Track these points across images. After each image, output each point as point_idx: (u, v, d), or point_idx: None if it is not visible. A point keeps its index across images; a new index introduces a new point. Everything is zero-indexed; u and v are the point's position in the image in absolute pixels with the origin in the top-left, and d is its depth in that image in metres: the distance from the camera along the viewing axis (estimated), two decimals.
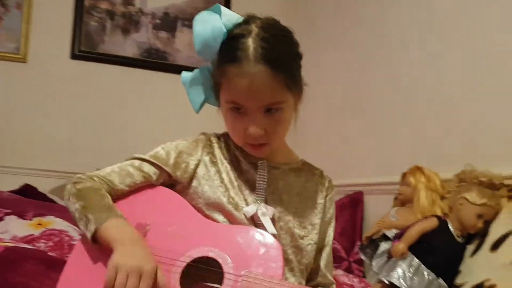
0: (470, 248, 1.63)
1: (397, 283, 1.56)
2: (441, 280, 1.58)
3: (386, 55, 2.41)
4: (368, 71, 2.52)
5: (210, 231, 0.92)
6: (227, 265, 0.85)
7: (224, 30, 0.90)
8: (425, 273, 1.57)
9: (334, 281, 1.06)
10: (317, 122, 2.66)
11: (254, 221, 0.93)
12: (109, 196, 0.93)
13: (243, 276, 0.83)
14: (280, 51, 0.89)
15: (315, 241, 0.99)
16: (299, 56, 0.94)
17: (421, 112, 2.12)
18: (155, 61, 3.23)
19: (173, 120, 3.17)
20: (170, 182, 1.01)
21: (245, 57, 0.86)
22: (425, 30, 2.17)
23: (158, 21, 3.25)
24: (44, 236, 1.70)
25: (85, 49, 3.04)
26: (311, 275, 1.03)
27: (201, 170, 0.99)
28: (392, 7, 2.39)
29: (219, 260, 0.86)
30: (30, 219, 1.82)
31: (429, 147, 2.03)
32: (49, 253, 1.34)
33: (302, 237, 0.98)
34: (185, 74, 1.01)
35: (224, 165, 0.99)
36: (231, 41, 0.89)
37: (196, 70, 1.00)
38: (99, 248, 0.87)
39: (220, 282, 0.84)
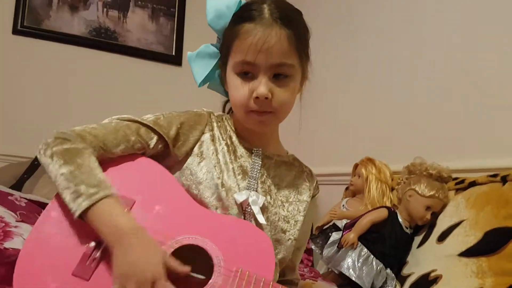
0: (417, 239, 1.66)
1: (346, 273, 1.56)
2: (389, 270, 1.60)
3: (341, 46, 2.41)
4: (329, 64, 2.52)
5: (201, 218, 0.87)
6: (217, 258, 0.80)
7: None
8: (374, 263, 1.58)
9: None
10: None
11: (243, 208, 0.91)
12: (99, 166, 0.84)
13: (234, 272, 0.78)
14: (294, 17, 0.90)
15: (295, 237, 0.98)
16: (308, 31, 0.94)
17: (375, 104, 2.14)
18: (104, 40, 3.08)
19: (120, 102, 3.07)
20: (162, 154, 0.95)
21: (261, 16, 0.87)
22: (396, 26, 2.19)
23: None
24: None
25: (28, 25, 2.85)
26: (285, 271, 1.02)
27: (199, 147, 0.94)
28: None
29: (209, 251, 0.81)
30: None
31: (381, 139, 2.06)
32: None
33: (284, 231, 0.96)
34: (190, 52, 1.00)
35: (222, 146, 0.95)
36: (245, 6, 0.91)
37: (202, 46, 1.00)
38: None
39: (208, 273, 0.79)
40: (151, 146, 0.92)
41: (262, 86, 0.86)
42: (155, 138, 0.92)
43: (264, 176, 0.97)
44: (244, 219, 0.91)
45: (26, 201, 1.90)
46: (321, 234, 1.88)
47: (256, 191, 0.93)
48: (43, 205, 2.01)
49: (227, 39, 0.92)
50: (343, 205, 1.89)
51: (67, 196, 0.79)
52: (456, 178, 1.65)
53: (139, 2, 3.20)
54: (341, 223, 1.80)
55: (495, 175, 1.51)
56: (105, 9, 3.08)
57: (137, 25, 3.19)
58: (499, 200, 1.44)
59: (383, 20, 2.18)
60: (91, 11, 3.04)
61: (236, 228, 0.86)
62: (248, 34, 0.86)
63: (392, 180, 1.84)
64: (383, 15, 2.19)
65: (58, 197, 0.83)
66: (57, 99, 2.89)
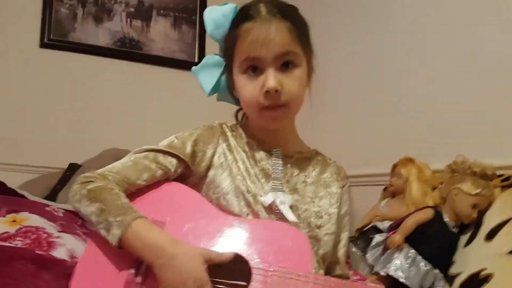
0: (464, 238, 1.64)
1: (394, 275, 1.54)
2: (437, 271, 1.58)
3: (373, 45, 2.40)
4: (357, 62, 2.51)
5: (232, 226, 0.88)
6: (254, 261, 0.82)
7: (234, 5, 0.95)
8: (422, 263, 1.57)
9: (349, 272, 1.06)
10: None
11: (273, 210, 0.91)
12: (124, 195, 0.87)
13: (272, 271, 0.79)
14: (291, 11, 0.92)
15: (332, 231, 0.97)
16: (307, 25, 0.96)
17: (409, 102, 2.13)
18: (129, 50, 3.10)
19: (146, 110, 3.11)
20: (185, 174, 0.97)
21: (258, 14, 0.89)
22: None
23: (132, 9, 3.13)
24: (20, 234, 1.59)
25: (55, 38, 2.88)
26: (331, 267, 1.01)
27: (218, 159, 0.95)
28: None
29: (245, 256, 0.83)
30: (4, 216, 1.71)
31: (418, 138, 2.04)
32: (37, 252, 1.25)
33: (318, 227, 0.95)
34: (195, 66, 1.03)
35: (240, 154, 0.96)
36: (242, 9, 0.94)
37: (205, 58, 1.02)
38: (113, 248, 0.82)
39: (247, 279, 0.80)
40: (172, 170, 0.94)
41: (270, 78, 0.87)
42: (174, 161, 0.94)
43: (288, 175, 0.97)
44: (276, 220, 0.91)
45: (63, 211, 1.92)
46: (362, 236, 1.87)
47: (282, 191, 0.93)
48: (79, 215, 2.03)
49: (229, 43, 0.94)
50: (382, 206, 1.87)
51: (102, 231, 0.82)
52: (501, 175, 1.63)
53: (162, 11, 3.22)
54: (381, 225, 1.79)
55: None
56: (128, 19, 3.11)
57: (160, 34, 3.21)
58: None
59: (413, 14, 2.16)
60: (115, 22, 3.07)
61: (268, 229, 0.87)
62: (249, 32, 0.88)
63: (433, 179, 1.82)
64: (413, 10, 2.18)
65: (94, 233, 0.87)
66: (86, 110, 2.92)
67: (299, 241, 0.85)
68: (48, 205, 2.00)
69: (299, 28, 0.91)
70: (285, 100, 0.89)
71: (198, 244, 0.84)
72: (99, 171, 0.91)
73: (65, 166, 2.62)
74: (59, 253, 1.45)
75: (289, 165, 0.98)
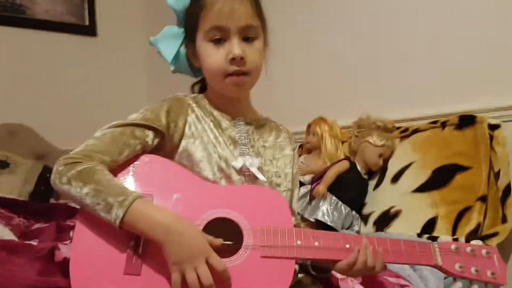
0: (372, 183, 1.94)
1: (322, 220, 1.79)
2: (354, 212, 1.86)
3: None
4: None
5: (215, 193, 0.95)
6: (243, 223, 0.90)
7: None
8: (343, 208, 1.83)
9: None
10: None
11: (243, 173, 1.00)
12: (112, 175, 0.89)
13: (260, 231, 0.89)
14: None
15: (288, 188, 1.10)
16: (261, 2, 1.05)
17: (318, 71, 2.34)
18: (11, 15, 2.84)
19: (36, 80, 2.94)
20: (158, 147, 1.00)
21: None
22: None
23: None
24: None
25: None
26: None
27: (189, 129, 1.00)
28: None
29: (234, 219, 0.90)
30: None
31: (327, 98, 2.27)
32: (6, 239, 1.22)
33: (278, 185, 1.07)
34: (153, 37, 1.06)
35: (208, 124, 1.02)
36: None
37: (164, 28, 1.06)
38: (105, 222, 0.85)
39: (237, 240, 0.88)
40: (149, 142, 0.97)
41: (236, 46, 0.96)
42: (150, 133, 0.97)
43: (252, 141, 1.08)
44: (246, 181, 1.02)
45: None
46: None
47: (250, 155, 1.04)
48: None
49: (193, 13, 1.00)
50: (302, 162, 2.09)
51: (100, 212, 0.84)
52: (399, 127, 1.93)
53: None
54: (303, 178, 2.00)
55: (435, 122, 1.81)
56: None
57: None
58: (441, 142, 1.76)
59: None
60: None
61: (249, 193, 0.97)
62: (214, 3, 0.95)
63: (342, 135, 2.08)
64: None
65: (82, 215, 0.89)
66: None
67: (278, 202, 0.95)
68: None
69: (258, 4, 1.01)
70: (248, 68, 0.98)
71: (189, 213, 0.89)
72: (81, 149, 0.91)
73: None
74: None
75: (250, 132, 1.08)
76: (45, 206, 1.94)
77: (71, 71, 3.09)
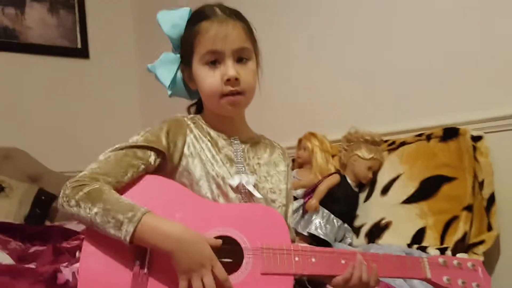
0: (362, 195, 1.99)
1: (315, 233, 1.83)
2: (346, 225, 1.90)
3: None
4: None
5: (217, 212, 0.99)
6: (243, 241, 0.94)
7: (188, 8, 1.07)
8: (335, 221, 1.87)
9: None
10: None
11: (239, 190, 1.04)
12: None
13: (260, 249, 0.93)
14: (241, 14, 1.07)
15: (283, 203, 1.14)
16: (253, 27, 1.10)
17: (309, 90, 2.42)
18: (4, 40, 2.89)
19: (30, 102, 2.99)
20: (159, 167, 1.03)
21: (215, 14, 1.03)
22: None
23: None
24: None
25: None
26: None
27: (188, 149, 1.04)
28: None
29: (235, 237, 0.94)
30: None
31: (315, 116, 2.34)
32: (4, 263, 1.25)
33: (274, 201, 1.11)
34: (150, 64, 1.11)
35: (205, 143, 1.07)
36: (197, 11, 1.06)
37: (162, 55, 1.11)
38: (111, 242, 0.88)
39: (235, 257, 0.92)
40: (152, 162, 1.01)
41: (230, 68, 1.01)
42: (152, 154, 1.01)
43: (247, 159, 1.12)
44: (242, 198, 1.06)
45: None
46: None
47: (246, 173, 1.08)
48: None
49: (188, 39, 1.06)
50: (293, 176, 2.14)
51: (111, 230, 0.87)
52: (387, 141, 1.99)
53: None
54: (295, 193, 2.05)
55: (420, 135, 1.87)
56: (0, 7, 2.88)
57: (37, 21, 3.04)
58: (427, 154, 1.81)
59: None
60: None
61: (247, 211, 1.01)
62: (208, 28, 1.02)
63: (332, 149, 2.13)
64: None
65: (89, 235, 0.92)
66: None
67: (275, 219, 0.98)
68: None
69: (250, 29, 1.07)
70: (242, 88, 1.03)
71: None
72: (87, 173, 0.95)
73: None
74: None
75: (246, 150, 1.12)
76: (40, 229, 1.97)
77: (65, 93, 3.14)
